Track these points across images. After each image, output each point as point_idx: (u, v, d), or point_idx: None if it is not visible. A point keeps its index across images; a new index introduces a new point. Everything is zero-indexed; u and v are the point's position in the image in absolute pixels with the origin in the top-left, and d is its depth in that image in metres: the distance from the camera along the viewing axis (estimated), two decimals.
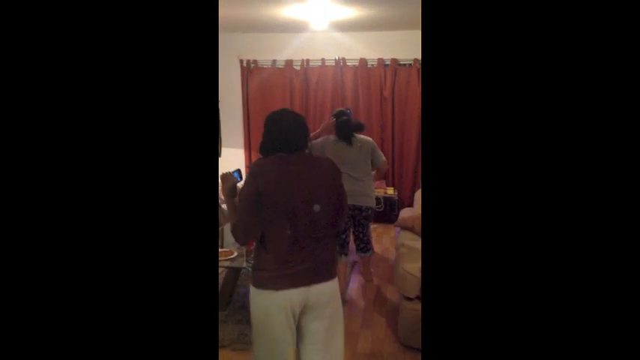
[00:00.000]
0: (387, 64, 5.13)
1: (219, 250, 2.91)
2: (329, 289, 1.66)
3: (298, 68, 5.33)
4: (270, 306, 1.59)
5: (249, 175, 1.59)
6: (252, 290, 1.64)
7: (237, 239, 1.65)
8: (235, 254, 2.90)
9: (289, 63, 5.33)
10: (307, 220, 1.60)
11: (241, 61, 5.41)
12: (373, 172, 3.34)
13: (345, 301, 3.20)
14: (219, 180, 1.71)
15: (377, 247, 4.49)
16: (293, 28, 4.89)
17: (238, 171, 1.91)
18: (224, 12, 4.17)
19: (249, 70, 5.43)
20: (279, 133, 1.63)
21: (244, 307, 3.01)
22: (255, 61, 5.40)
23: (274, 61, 5.37)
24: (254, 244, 1.67)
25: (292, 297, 1.59)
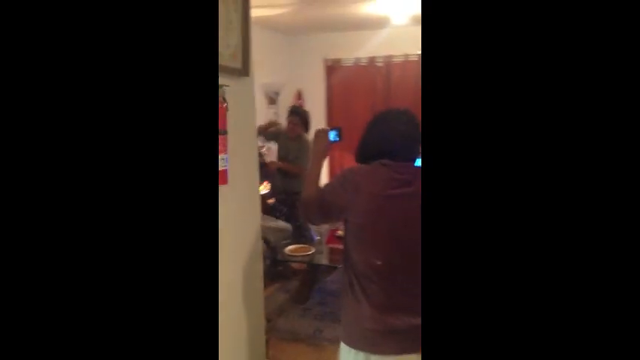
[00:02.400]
0: None
1: (297, 246, 2.99)
2: None
3: (381, 65, 5.30)
4: None
5: (342, 179, 1.26)
6: (342, 348, 1.27)
7: (305, 218, 1.41)
8: (313, 250, 2.98)
9: (372, 60, 5.31)
10: (409, 260, 1.17)
11: (325, 61, 5.50)
12: None
13: None
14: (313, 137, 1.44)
15: None
16: (374, 24, 4.86)
17: (338, 130, 1.48)
18: (309, 14, 4.28)
19: (332, 68, 5.50)
20: (389, 134, 1.27)
21: (323, 303, 3.08)
22: (338, 60, 5.46)
23: (357, 59, 5.38)
24: (343, 287, 1.31)
25: None
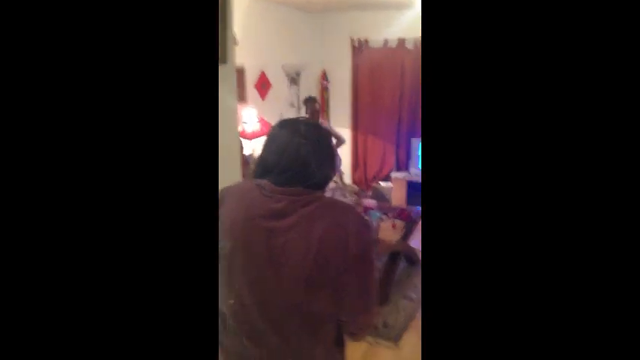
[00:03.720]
0: None
1: None
2: None
3: (411, 47, 5.10)
4: None
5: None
6: None
7: None
8: None
9: (401, 42, 5.12)
10: (266, 312, 0.95)
11: (352, 40, 5.35)
12: None
13: None
14: None
15: None
16: (403, 4, 4.67)
17: None
18: None
19: (359, 49, 5.35)
20: (282, 149, 0.98)
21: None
22: (366, 40, 5.30)
23: (386, 40, 5.20)
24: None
25: None
